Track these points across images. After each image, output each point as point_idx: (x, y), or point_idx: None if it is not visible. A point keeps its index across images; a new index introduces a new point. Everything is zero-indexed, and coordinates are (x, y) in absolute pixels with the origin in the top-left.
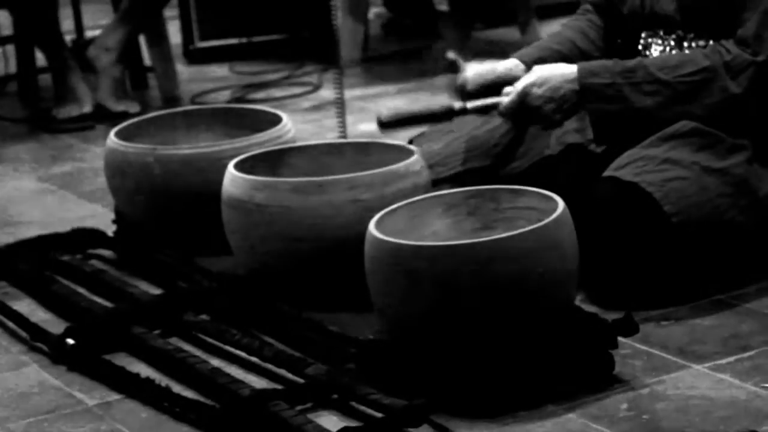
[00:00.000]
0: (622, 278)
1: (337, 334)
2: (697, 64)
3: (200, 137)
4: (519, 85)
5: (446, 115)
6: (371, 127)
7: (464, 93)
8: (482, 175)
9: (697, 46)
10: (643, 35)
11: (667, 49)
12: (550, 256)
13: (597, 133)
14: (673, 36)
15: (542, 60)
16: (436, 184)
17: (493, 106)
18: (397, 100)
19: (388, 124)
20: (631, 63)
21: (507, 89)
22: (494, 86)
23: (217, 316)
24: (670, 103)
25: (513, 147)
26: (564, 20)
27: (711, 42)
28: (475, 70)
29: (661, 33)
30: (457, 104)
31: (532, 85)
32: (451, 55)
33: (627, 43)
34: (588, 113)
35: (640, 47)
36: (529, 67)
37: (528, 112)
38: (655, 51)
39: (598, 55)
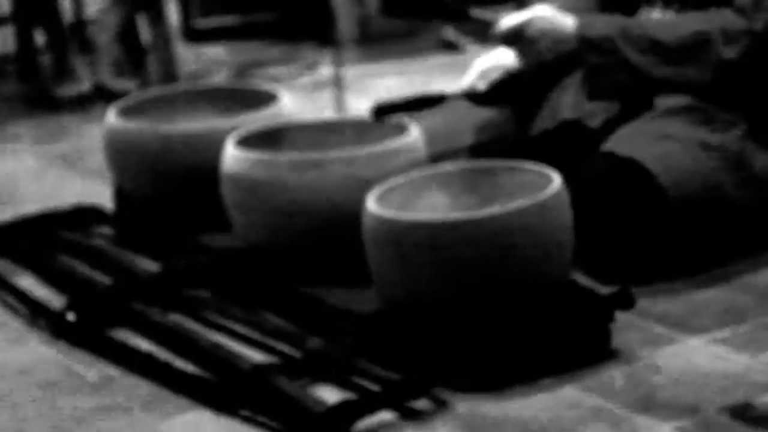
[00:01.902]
0: (619, 252)
1: (335, 309)
2: (694, 27)
3: (199, 115)
4: (525, 15)
5: (440, 99)
6: (368, 104)
7: (476, 95)
8: (480, 150)
9: None
10: (642, 7)
11: None
12: (546, 230)
13: (591, 87)
14: (672, 8)
15: None
16: (435, 159)
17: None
18: (394, 79)
19: (381, 111)
20: (630, 20)
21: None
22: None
23: (216, 292)
24: (663, 62)
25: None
26: None
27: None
28: (481, 68)
29: (660, 4)
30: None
31: (539, 18)
32: (449, 34)
33: (626, 14)
34: (583, 64)
35: None
36: None
37: (521, 43)
38: None
39: None
